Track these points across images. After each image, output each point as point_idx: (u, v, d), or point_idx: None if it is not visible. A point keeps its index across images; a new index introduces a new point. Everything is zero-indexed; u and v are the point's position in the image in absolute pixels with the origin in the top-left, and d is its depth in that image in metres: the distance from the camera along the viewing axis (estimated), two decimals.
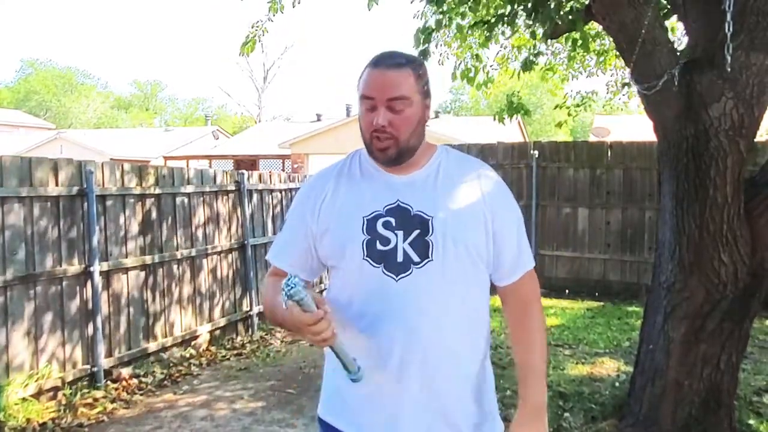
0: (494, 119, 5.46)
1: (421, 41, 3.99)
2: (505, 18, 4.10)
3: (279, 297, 1.18)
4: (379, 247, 1.31)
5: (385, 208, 1.34)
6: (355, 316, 1.34)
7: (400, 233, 1.32)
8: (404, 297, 1.29)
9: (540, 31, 4.10)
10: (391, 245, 1.31)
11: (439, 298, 1.31)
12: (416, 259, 1.31)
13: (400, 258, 1.31)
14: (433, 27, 4.07)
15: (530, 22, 4.09)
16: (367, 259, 1.31)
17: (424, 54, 4.00)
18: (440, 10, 4.03)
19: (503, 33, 5.04)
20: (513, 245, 1.41)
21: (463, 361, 1.38)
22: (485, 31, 4.32)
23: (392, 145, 1.32)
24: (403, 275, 1.30)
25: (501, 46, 5.46)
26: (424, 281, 1.30)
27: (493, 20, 4.22)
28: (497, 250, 1.38)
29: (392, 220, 1.33)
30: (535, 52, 5.01)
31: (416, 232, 1.32)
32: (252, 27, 4.56)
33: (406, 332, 1.30)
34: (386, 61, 1.33)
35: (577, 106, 6.89)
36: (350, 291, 1.35)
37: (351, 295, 1.35)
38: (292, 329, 1.25)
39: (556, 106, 6.96)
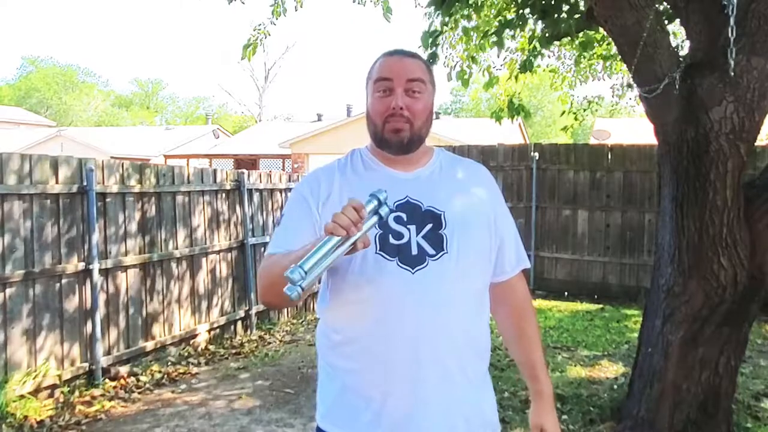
0: (491, 117, 5.49)
1: (429, 44, 4.00)
2: (515, 23, 4.12)
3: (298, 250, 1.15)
4: (392, 241, 1.31)
5: (395, 204, 1.34)
6: (369, 311, 1.30)
7: (413, 227, 1.32)
8: (422, 289, 1.28)
9: (541, 33, 4.12)
10: (405, 239, 1.31)
11: (455, 290, 1.31)
12: (431, 251, 1.31)
13: (414, 251, 1.30)
14: (439, 29, 4.08)
15: (541, 26, 4.10)
16: (381, 253, 1.30)
17: (433, 57, 4.01)
18: (447, 13, 4.04)
19: (513, 37, 5.05)
20: (513, 242, 1.47)
21: (478, 354, 1.39)
22: (494, 38, 4.32)
23: (407, 128, 1.35)
24: (419, 267, 1.29)
25: (506, 49, 5.48)
26: (441, 273, 1.30)
27: (501, 26, 4.24)
28: (500, 246, 1.43)
29: (403, 215, 1.33)
30: (535, 53, 5.04)
31: (429, 226, 1.33)
32: (254, 30, 4.55)
33: (424, 324, 1.29)
34: (401, 51, 1.41)
35: (584, 110, 6.93)
36: (361, 287, 1.31)
37: (362, 291, 1.31)
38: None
39: (563, 113, 7.00)
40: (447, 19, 4.15)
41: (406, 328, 1.29)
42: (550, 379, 1.48)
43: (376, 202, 1.16)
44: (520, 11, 4.09)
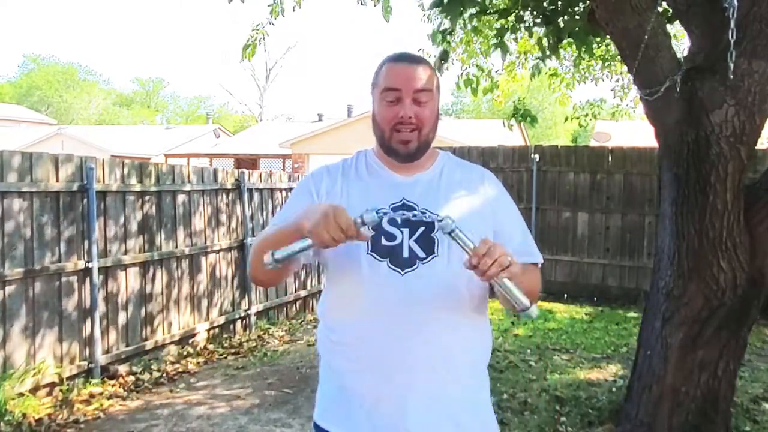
0: (504, 125, 5.49)
1: (440, 41, 3.99)
2: (521, 25, 4.11)
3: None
4: (384, 242, 1.32)
5: (391, 206, 1.34)
6: (360, 311, 1.33)
7: (406, 230, 1.33)
8: (410, 290, 1.29)
9: (544, 36, 4.11)
10: (397, 241, 1.32)
11: (446, 293, 1.31)
12: (422, 255, 1.31)
13: (405, 254, 1.31)
14: (449, 28, 4.06)
15: (543, 30, 4.09)
16: (372, 253, 1.31)
17: (445, 55, 4.00)
18: (452, 12, 4.01)
19: (515, 40, 5.04)
20: (517, 239, 1.42)
21: (471, 357, 1.38)
22: (495, 41, 4.32)
23: (414, 138, 1.35)
24: (408, 270, 1.30)
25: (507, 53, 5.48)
26: (431, 276, 1.30)
27: (501, 29, 4.23)
28: (506, 240, 1.37)
29: (397, 217, 1.34)
30: (543, 57, 5.03)
31: (421, 229, 1.33)
32: (253, 30, 4.55)
33: (413, 327, 1.29)
34: (407, 57, 1.40)
35: (586, 115, 6.94)
36: (353, 287, 1.33)
37: (354, 291, 1.33)
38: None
39: (566, 119, 7.02)
40: (459, 18, 4.12)
41: (396, 330, 1.30)
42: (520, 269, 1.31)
43: (372, 227, 1.18)
44: (522, 14, 4.08)
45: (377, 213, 1.16)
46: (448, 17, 3.94)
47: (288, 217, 1.32)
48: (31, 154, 3.86)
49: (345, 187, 1.40)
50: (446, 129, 19.72)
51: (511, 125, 5.48)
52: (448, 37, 4.12)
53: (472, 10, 4.31)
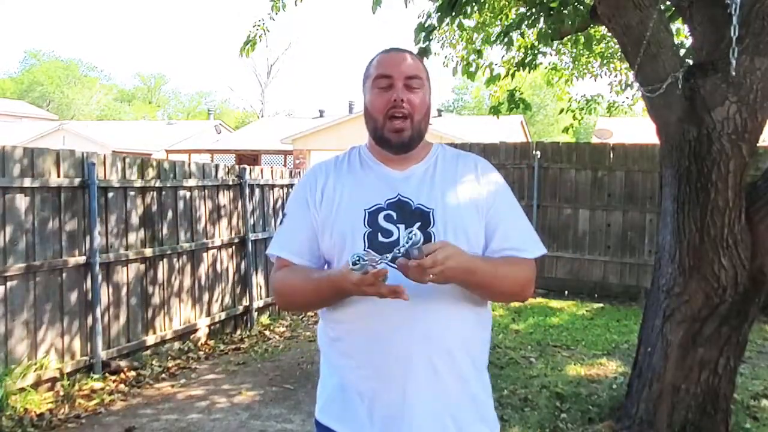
0: (490, 112, 5.50)
1: (422, 39, 3.98)
2: (524, 23, 4.11)
3: (313, 274, 1.33)
4: (381, 239, 1.32)
5: (386, 202, 1.35)
6: (357, 310, 1.33)
7: (402, 226, 1.33)
8: (409, 286, 1.27)
9: (544, 31, 4.11)
10: (394, 237, 1.32)
11: (444, 289, 1.31)
12: None
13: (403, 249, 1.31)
14: (435, 25, 4.05)
15: (544, 24, 4.09)
16: (369, 250, 1.30)
17: (424, 53, 3.99)
18: (456, 15, 4.00)
19: (522, 36, 5.04)
20: (510, 229, 1.39)
21: (471, 352, 1.38)
22: (504, 39, 4.33)
23: (408, 126, 1.36)
24: None
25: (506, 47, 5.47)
26: None
27: (509, 26, 4.24)
28: (497, 233, 1.37)
29: (393, 213, 1.34)
30: (537, 52, 5.02)
31: (417, 224, 1.32)
32: (253, 26, 4.56)
33: (412, 323, 1.29)
34: (397, 49, 1.44)
35: (581, 109, 6.92)
36: None
37: None
38: (330, 294, 1.30)
39: (561, 111, 7.01)
40: (447, 19, 4.12)
41: (394, 326, 1.30)
42: (478, 269, 1.29)
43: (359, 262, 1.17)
44: (528, 11, 4.08)
45: (360, 260, 1.16)
46: (453, 20, 3.94)
47: (294, 239, 1.40)
48: (32, 150, 3.87)
49: (338, 183, 1.40)
50: (447, 125, 19.68)
51: (499, 112, 5.47)
52: (432, 34, 4.10)
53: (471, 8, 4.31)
